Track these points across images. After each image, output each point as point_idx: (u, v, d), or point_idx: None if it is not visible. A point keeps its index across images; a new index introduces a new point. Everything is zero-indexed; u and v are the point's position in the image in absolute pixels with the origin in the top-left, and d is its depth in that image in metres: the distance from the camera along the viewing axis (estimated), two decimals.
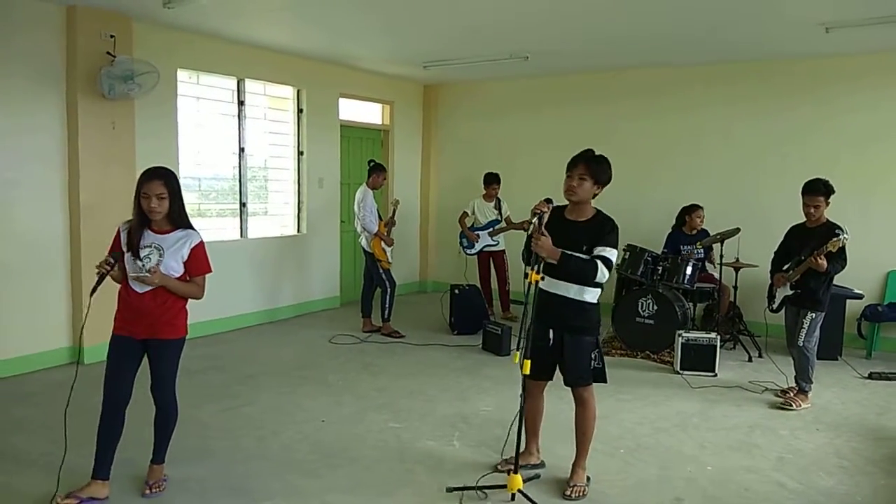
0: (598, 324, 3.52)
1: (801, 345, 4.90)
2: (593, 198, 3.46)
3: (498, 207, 7.76)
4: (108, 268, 3.16)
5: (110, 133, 5.69)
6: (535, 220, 3.32)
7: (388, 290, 6.94)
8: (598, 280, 3.31)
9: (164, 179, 3.22)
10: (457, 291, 7.14)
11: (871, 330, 6.52)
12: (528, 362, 3.25)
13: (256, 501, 3.36)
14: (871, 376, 5.73)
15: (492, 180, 7.70)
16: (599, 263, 3.27)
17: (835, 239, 4.61)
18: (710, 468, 3.87)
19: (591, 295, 3.43)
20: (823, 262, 4.64)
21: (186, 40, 6.39)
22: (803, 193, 4.86)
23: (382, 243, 6.93)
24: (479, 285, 7.57)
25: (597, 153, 3.45)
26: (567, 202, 3.51)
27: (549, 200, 3.42)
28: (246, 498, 3.40)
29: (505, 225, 7.71)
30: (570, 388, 3.57)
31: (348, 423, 4.48)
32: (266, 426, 4.38)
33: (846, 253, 4.73)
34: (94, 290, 3.15)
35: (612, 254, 3.34)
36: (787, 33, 5.99)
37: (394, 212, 7.14)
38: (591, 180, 3.37)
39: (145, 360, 3.35)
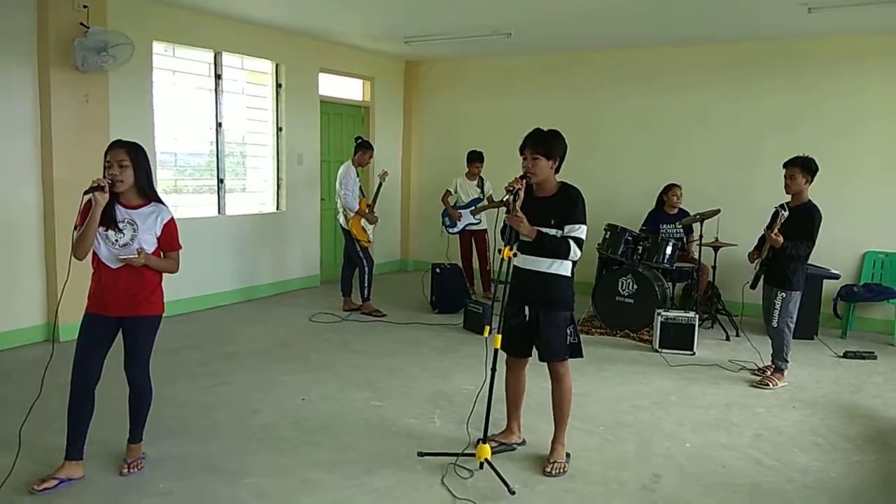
0: (572, 299, 3.56)
1: (776, 325, 4.95)
2: (556, 172, 3.50)
3: (480, 186, 7.73)
4: (102, 184, 3.04)
5: (84, 106, 5.56)
6: (509, 196, 3.37)
7: (367, 268, 6.89)
8: (570, 258, 3.42)
9: (126, 147, 3.16)
10: (438, 270, 7.12)
11: (847, 310, 6.62)
12: (499, 336, 3.36)
13: (236, 479, 3.34)
14: (846, 355, 5.82)
15: (475, 158, 7.65)
16: (572, 244, 3.37)
17: (779, 218, 4.71)
18: (687, 445, 3.91)
19: (566, 268, 3.48)
20: (778, 239, 4.70)
21: (162, 12, 6.23)
22: (783, 167, 4.95)
23: (363, 221, 6.87)
24: (460, 264, 7.56)
25: (545, 129, 3.49)
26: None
27: (524, 177, 3.45)
28: (225, 476, 3.38)
29: (487, 203, 7.68)
30: (545, 365, 3.59)
31: (329, 401, 4.46)
32: (245, 404, 4.35)
33: (812, 232, 4.75)
34: (84, 193, 3.07)
35: (583, 231, 3.42)
36: (769, 13, 5.99)
37: (379, 185, 7.09)
38: (544, 157, 3.41)
39: (118, 338, 3.29)
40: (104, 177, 3.12)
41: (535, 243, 3.40)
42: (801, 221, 4.73)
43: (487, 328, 3.42)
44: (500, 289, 3.51)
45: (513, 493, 3.24)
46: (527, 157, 3.43)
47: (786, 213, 4.70)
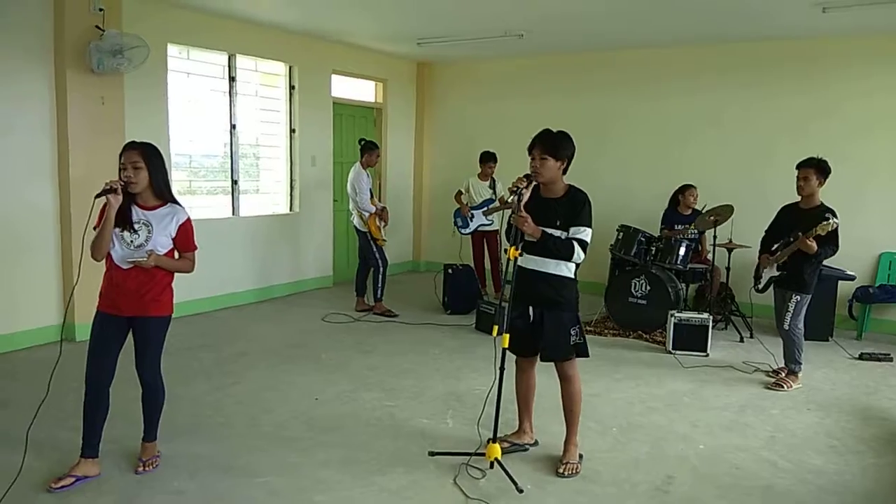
0: (577, 299, 3.55)
1: (788, 328, 4.90)
2: (563, 173, 3.50)
3: (493, 187, 7.72)
4: (115, 186, 3.07)
5: (99, 108, 5.61)
6: (513, 197, 3.39)
7: (381, 269, 6.92)
8: (574, 260, 3.41)
9: (139, 149, 3.17)
10: (450, 271, 7.13)
11: (863, 311, 6.56)
12: (506, 336, 3.36)
13: (249, 478, 3.36)
14: (861, 357, 5.76)
15: (488, 159, 7.63)
16: (576, 245, 3.36)
17: (825, 223, 4.56)
18: (701, 447, 3.89)
19: (569, 269, 3.48)
20: (814, 245, 4.61)
21: (177, 14, 6.28)
22: (797, 167, 4.86)
23: (378, 220, 6.89)
24: (472, 265, 7.56)
25: (554, 130, 3.47)
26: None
27: (528, 177, 3.45)
28: (239, 475, 3.40)
29: (499, 205, 7.68)
30: (553, 366, 3.58)
31: (341, 401, 4.48)
32: (258, 404, 4.37)
33: (838, 238, 4.69)
34: (97, 196, 3.09)
35: (587, 234, 3.41)
36: (783, 13, 5.95)
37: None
38: (552, 157, 3.41)
39: (130, 337, 3.31)
40: (119, 178, 3.15)
41: (539, 244, 3.40)
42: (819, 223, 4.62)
43: (496, 328, 3.42)
44: (512, 289, 3.51)
45: (521, 491, 3.25)
46: (535, 157, 3.43)
47: (837, 221, 4.58)
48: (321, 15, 6.69)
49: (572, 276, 3.50)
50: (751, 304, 6.18)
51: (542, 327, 3.49)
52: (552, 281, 3.46)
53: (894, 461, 3.78)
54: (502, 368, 3.40)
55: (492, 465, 3.40)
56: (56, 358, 3.41)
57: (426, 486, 3.33)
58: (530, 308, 3.53)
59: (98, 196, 3.09)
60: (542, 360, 3.58)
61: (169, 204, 3.29)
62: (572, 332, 3.51)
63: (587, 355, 3.59)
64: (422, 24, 7.00)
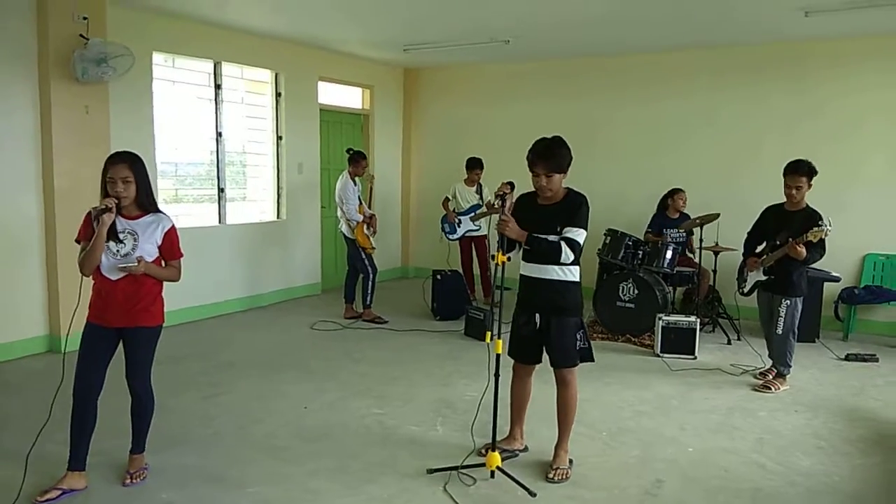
0: (581, 304, 3.56)
1: (781, 332, 4.87)
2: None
3: (479, 192, 7.74)
4: (110, 206, 3.05)
5: (84, 117, 5.58)
6: (497, 202, 3.42)
7: (371, 275, 6.91)
8: (562, 261, 3.38)
9: (128, 163, 3.16)
10: (439, 277, 7.13)
11: (848, 312, 6.61)
12: (499, 342, 3.37)
13: (239, 488, 3.34)
14: (847, 358, 5.81)
15: (474, 165, 7.67)
16: (563, 245, 3.34)
17: (816, 229, 4.51)
18: (690, 450, 3.91)
19: (573, 273, 3.47)
20: (803, 251, 4.56)
21: (162, 22, 6.26)
22: (785, 174, 4.76)
23: (367, 227, 6.89)
24: (460, 271, 7.57)
25: (548, 139, 3.45)
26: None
27: (510, 184, 3.49)
28: (228, 485, 3.38)
29: (486, 210, 7.69)
30: (552, 370, 3.58)
31: (331, 409, 4.46)
32: (247, 413, 4.35)
33: (825, 242, 4.64)
34: (95, 217, 3.08)
35: (579, 234, 3.39)
36: (766, 18, 6.00)
37: (370, 189, 7.28)
38: (558, 172, 3.40)
39: (120, 347, 3.29)
40: (105, 191, 3.13)
41: (531, 249, 3.41)
42: (808, 228, 4.57)
43: (489, 334, 3.43)
44: (501, 295, 3.52)
45: (533, 494, 3.26)
46: (539, 174, 3.40)
47: (830, 228, 4.50)
48: (307, 22, 6.68)
49: (576, 280, 3.49)
50: (737, 306, 6.22)
51: (549, 334, 3.49)
52: (556, 286, 3.45)
53: (882, 462, 3.81)
54: (497, 375, 3.40)
55: (493, 475, 3.40)
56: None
57: (417, 493, 3.32)
58: (536, 315, 3.52)
59: (96, 217, 3.07)
60: (552, 366, 3.57)
61: (153, 213, 3.27)
62: (577, 337, 3.52)
63: (592, 360, 3.60)
64: (408, 30, 7.01)
